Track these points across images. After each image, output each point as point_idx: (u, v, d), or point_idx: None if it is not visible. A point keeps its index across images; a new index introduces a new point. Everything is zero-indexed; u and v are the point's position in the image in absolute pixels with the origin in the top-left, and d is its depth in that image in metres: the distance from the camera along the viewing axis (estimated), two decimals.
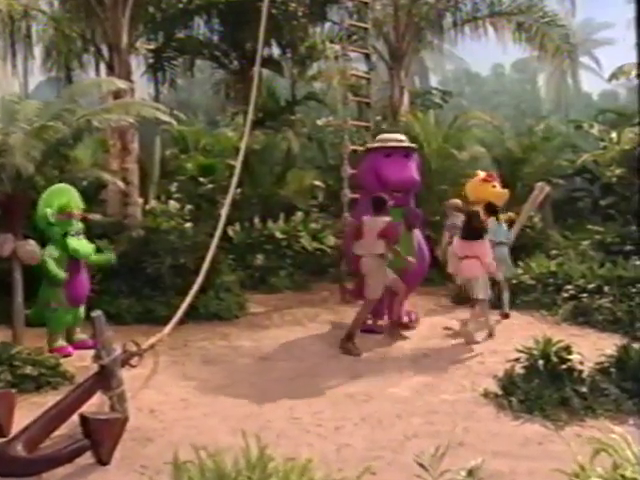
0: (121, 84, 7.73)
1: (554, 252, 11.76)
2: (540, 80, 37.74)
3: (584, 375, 6.08)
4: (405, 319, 9.22)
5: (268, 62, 15.09)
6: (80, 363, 7.04)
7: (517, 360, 6.37)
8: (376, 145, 9.43)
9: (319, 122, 17.49)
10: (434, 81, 26.90)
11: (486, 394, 6.30)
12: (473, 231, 8.56)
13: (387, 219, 8.24)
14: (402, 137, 9.72)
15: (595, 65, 33.52)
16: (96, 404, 5.39)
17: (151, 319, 8.95)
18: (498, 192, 12.68)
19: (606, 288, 9.56)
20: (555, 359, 6.08)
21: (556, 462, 4.22)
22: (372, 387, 6.65)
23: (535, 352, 6.27)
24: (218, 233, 8.68)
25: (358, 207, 9.68)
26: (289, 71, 15.98)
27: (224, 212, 9.13)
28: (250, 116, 10.27)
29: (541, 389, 5.91)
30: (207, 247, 8.65)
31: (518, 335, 8.66)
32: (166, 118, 7.48)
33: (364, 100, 12.61)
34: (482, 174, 12.78)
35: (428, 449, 3.84)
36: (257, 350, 8.12)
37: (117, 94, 9.65)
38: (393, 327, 8.75)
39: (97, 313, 5.09)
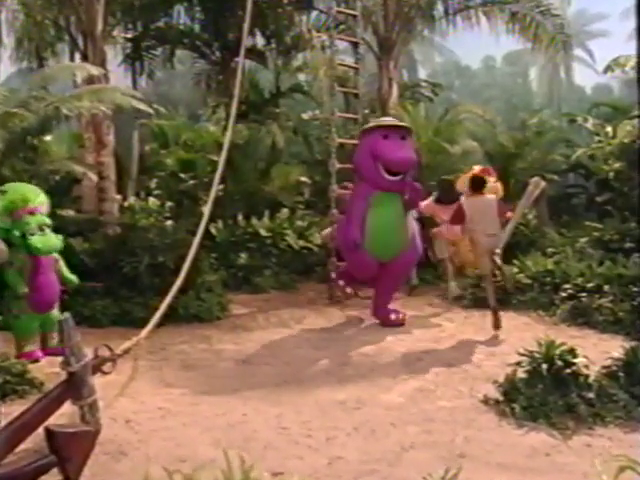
0: (94, 70, 7.38)
1: (550, 250, 11.51)
2: (532, 73, 37.79)
3: (590, 380, 5.81)
4: (392, 316, 9.18)
5: (251, 52, 14.73)
6: (51, 369, 6.70)
7: (519, 364, 6.09)
8: (372, 125, 9.22)
9: (305, 116, 17.18)
10: (423, 74, 26.72)
11: (486, 400, 6.04)
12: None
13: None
14: (395, 119, 9.57)
15: (589, 58, 33.50)
16: (67, 414, 5.08)
17: (128, 321, 8.68)
18: (492, 188, 12.47)
19: (606, 287, 9.31)
20: (559, 363, 5.82)
21: (567, 476, 3.98)
22: (363, 393, 6.39)
23: (538, 355, 6.00)
24: (200, 230, 8.38)
25: (355, 192, 9.36)
26: (273, 62, 15.64)
27: (207, 209, 8.85)
28: (234, 109, 9.96)
29: (545, 395, 5.65)
30: (187, 245, 8.34)
31: (515, 337, 8.50)
32: (142, 106, 7.17)
33: (352, 91, 12.32)
34: (477, 169, 12.56)
35: (430, 464, 3.55)
36: (240, 354, 7.86)
37: (91, 83, 9.27)
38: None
39: (64, 316, 4.75)
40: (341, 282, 9.70)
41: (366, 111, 14.37)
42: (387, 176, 8.79)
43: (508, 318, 9.66)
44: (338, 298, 10.89)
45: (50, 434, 4.24)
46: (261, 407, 5.96)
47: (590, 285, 9.47)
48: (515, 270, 10.67)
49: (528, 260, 11.03)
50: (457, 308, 10.53)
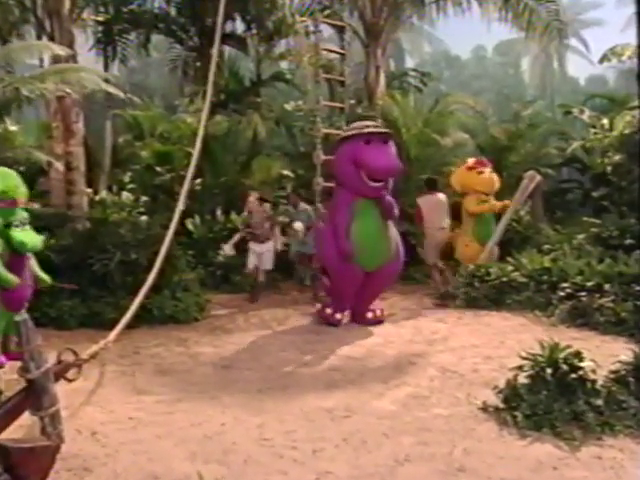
0: (60, 50, 6.98)
1: (546, 247, 11.32)
2: (524, 64, 37.60)
3: (598, 385, 5.56)
4: (369, 315, 9.18)
5: (231, 38, 14.47)
6: (11, 376, 6.33)
7: (520, 368, 5.83)
8: (353, 132, 8.99)
9: (287, 106, 16.88)
10: (411, 64, 26.33)
11: (485, 408, 5.77)
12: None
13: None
14: (375, 123, 9.41)
15: (583, 48, 33.31)
16: (26, 426, 4.76)
17: (98, 323, 8.46)
18: (485, 179, 12.28)
19: (607, 286, 9.10)
20: (564, 367, 5.56)
21: None
22: (353, 400, 6.11)
23: (541, 359, 5.75)
24: (173, 224, 8.12)
25: (336, 201, 9.18)
26: (254, 49, 15.32)
27: (181, 202, 8.59)
28: (209, 97, 9.68)
29: (550, 402, 5.39)
30: (162, 241, 8.16)
31: (511, 339, 8.32)
32: (113, 90, 6.81)
33: (338, 79, 12.01)
34: (471, 160, 12.37)
35: (427, 478, 3.27)
36: (219, 358, 7.59)
37: None
38: None
39: (22, 317, 4.40)
40: (327, 308, 9.34)
41: (352, 101, 14.13)
42: (370, 183, 8.69)
43: (502, 318, 9.53)
44: (323, 298, 10.64)
45: (4, 450, 3.90)
46: (241, 416, 5.67)
47: (590, 284, 9.27)
48: (510, 268, 10.49)
49: (523, 257, 10.84)
50: (450, 308, 10.32)
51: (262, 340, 8.38)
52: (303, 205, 11.41)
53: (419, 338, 8.46)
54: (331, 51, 11.99)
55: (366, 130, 8.87)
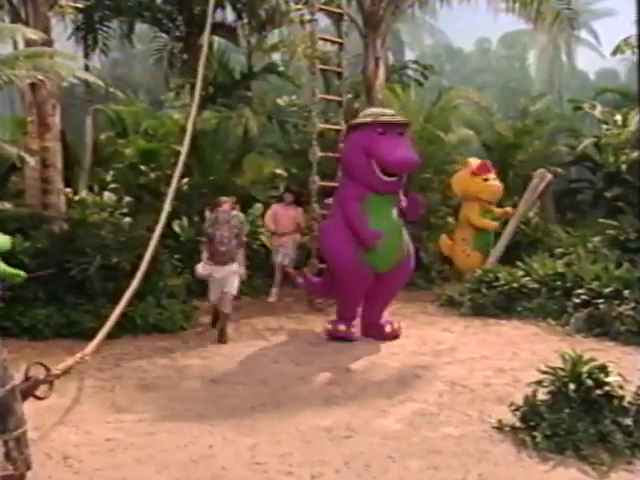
0: (32, 34, 6.66)
1: (559, 250, 11.08)
2: (530, 57, 37.23)
3: (626, 403, 5.27)
4: (388, 328, 8.70)
5: (220, 28, 14.15)
6: None
7: (539, 383, 5.54)
8: (367, 120, 8.52)
9: (280, 101, 16.61)
10: (411, 58, 25.98)
11: (500, 427, 5.49)
12: None
13: None
14: (392, 111, 9.00)
15: (593, 40, 33.01)
16: None
17: (76, 333, 8.22)
18: (491, 188, 12.02)
19: (626, 292, 8.88)
20: (589, 382, 5.27)
21: None
22: (354, 418, 5.83)
23: (562, 373, 5.46)
24: (159, 226, 7.84)
25: (343, 195, 8.69)
26: (245, 39, 15.03)
27: (167, 202, 8.32)
28: (198, 90, 9.39)
29: (573, 421, 5.10)
30: (146, 244, 7.92)
31: (525, 349, 8.12)
32: (92, 78, 6.49)
33: (335, 69, 11.75)
34: (473, 162, 12.11)
35: None
36: (208, 371, 7.33)
37: None
38: None
39: None
40: (340, 324, 8.70)
41: (349, 95, 13.90)
42: (383, 177, 8.23)
43: (513, 327, 9.37)
44: (319, 305, 10.42)
45: None
46: (232, 436, 5.38)
47: (608, 290, 9.07)
48: (520, 273, 10.29)
49: (534, 262, 10.63)
50: (454, 316, 10.11)
51: (254, 351, 8.13)
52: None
53: (424, 349, 8.22)
54: (328, 40, 11.71)
55: (382, 118, 8.41)
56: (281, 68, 15.89)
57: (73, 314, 8.58)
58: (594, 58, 34.21)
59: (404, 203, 8.62)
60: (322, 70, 11.85)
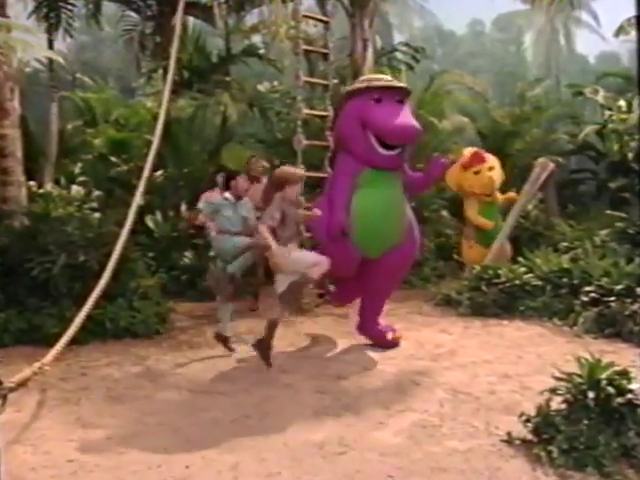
0: None
1: (563, 245, 10.87)
2: (526, 40, 36.98)
3: None
4: (390, 335, 8.25)
5: (195, 7, 13.79)
6: None
7: (554, 391, 5.25)
8: (361, 86, 8.05)
9: (261, 87, 16.31)
10: (400, 41, 25.73)
11: (510, 440, 5.19)
12: None
13: None
14: (389, 77, 8.59)
15: (593, 21, 32.81)
16: None
17: (38, 339, 7.85)
18: (483, 181, 11.69)
19: (639, 289, 8.62)
20: (610, 389, 4.98)
21: None
22: (348, 431, 5.52)
23: (579, 379, 5.17)
24: (129, 221, 7.48)
25: (336, 170, 8.27)
26: (222, 20, 14.68)
27: (138, 195, 7.96)
28: (171, 73, 9.02)
29: (593, 434, 4.80)
30: (117, 241, 7.53)
31: (530, 352, 7.87)
32: (53, 55, 6.13)
33: (321, 51, 11.43)
34: (468, 152, 11.83)
35: None
36: (185, 379, 7.03)
37: None
38: None
39: None
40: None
41: (335, 81, 13.63)
42: (380, 150, 7.72)
43: (516, 328, 9.15)
44: (307, 306, 10.11)
45: None
46: (211, 454, 5.06)
47: (619, 287, 8.83)
48: (522, 269, 10.09)
49: (536, 257, 10.42)
50: (452, 316, 9.86)
51: (237, 357, 7.79)
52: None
53: (422, 353, 7.93)
54: (313, 18, 11.37)
55: (377, 83, 7.92)
56: (262, 51, 15.58)
57: (35, 318, 8.26)
58: (594, 41, 34.32)
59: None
60: (306, 52, 11.52)
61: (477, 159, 11.69)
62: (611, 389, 5.01)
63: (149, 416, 5.90)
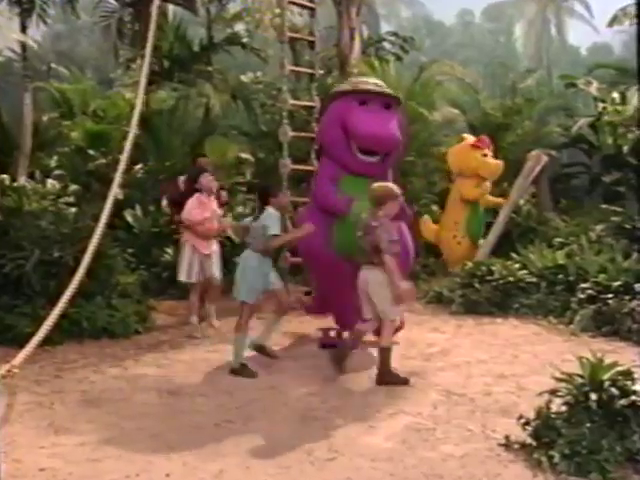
0: None
1: (557, 240, 10.79)
2: (517, 31, 36.90)
3: None
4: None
5: None
6: None
7: (554, 392, 5.11)
8: (346, 88, 8.04)
9: (244, 78, 16.14)
10: (387, 30, 25.63)
11: (509, 444, 5.05)
12: None
13: None
14: (378, 82, 8.47)
15: (585, 12, 32.78)
16: None
17: (11, 339, 7.64)
18: (492, 164, 11.87)
19: (637, 286, 8.55)
20: (613, 390, 4.84)
21: None
22: (337, 435, 5.37)
23: (580, 380, 5.03)
24: (104, 215, 7.27)
25: (317, 175, 8.28)
26: (204, 8, 14.53)
27: (114, 188, 7.74)
28: (148, 59, 8.78)
29: (596, 438, 4.65)
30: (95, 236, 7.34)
31: (525, 352, 7.79)
32: (25, 39, 5.91)
33: (307, 38, 11.28)
34: (470, 138, 11.90)
35: None
36: (165, 381, 6.86)
37: None
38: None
39: None
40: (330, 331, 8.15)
41: (321, 72, 13.52)
42: (360, 155, 7.63)
43: (511, 327, 9.11)
44: (292, 304, 9.95)
45: None
46: (193, 461, 4.87)
47: (616, 284, 8.79)
48: (516, 266, 10.04)
49: (530, 253, 10.35)
50: (444, 314, 9.77)
51: (218, 358, 7.63)
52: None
53: (413, 352, 7.85)
54: (298, 4, 11.18)
55: (362, 87, 7.85)
56: (245, 39, 15.41)
57: (8, 317, 8.07)
58: (586, 32, 34.19)
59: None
60: (292, 40, 11.38)
61: (484, 142, 11.85)
62: (614, 390, 4.88)
63: (127, 421, 5.72)
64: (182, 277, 8.91)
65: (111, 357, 7.68)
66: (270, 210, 7.16)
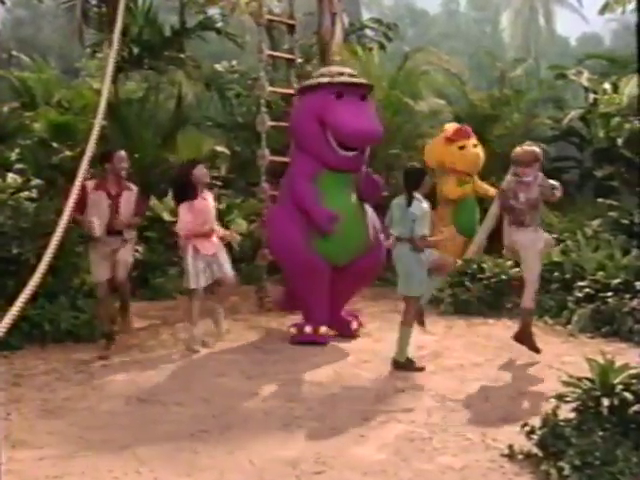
0: None
1: (552, 236, 10.56)
2: (504, 20, 36.94)
3: None
4: (354, 325, 8.37)
5: None
6: None
7: (561, 398, 4.87)
8: (320, 80, 7.96)
9: (219, 67, 15.86)
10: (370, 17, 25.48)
11: (512, 454, 4.81)
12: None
13: None
14: (351, 71, 8.34)
15: (574, 0, 32.94)
16: None
17: None
18: (468, 157, 11.58)
19: (638, 284, 8.41)
20: (626, 395, 4.61)
21: None
22: (325, 447, 5.10)
23: (590, 384, 4.79)
24: (67, 210, 6.97)
25: (292, 171, 8.21)
26: None
27: (77, 180, 7.44)
28: (116, 45, 8.47)
29: (610, 447, 4.42)
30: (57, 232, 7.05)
31: (522, 354, 7.53)
32: None
33: (286, 21, 11.05)
34: (450, 127, 11.63)
35: None
36: (135, 388, 6.57)
37: None
38: None
39: None
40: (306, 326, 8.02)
41: (300, 61, 13.30)
42: (339, 150, 7.73)
43: (504, 327, 8.91)
44: (271, 305, 9.72)
45: None
46: (166, 476, 4.59)
47: (616, 281, 8.64)
48: (508, 263, 9.84)
49: None
50: (433, 315, 9.48)
51: (194, 362, 7.44)
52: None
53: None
54: None
55: (338, 79, 7.85)
56: (220, 24, 15.14)
57: None
58: (575, 22, 34.21)
59: (361, 183, 8.09)
60: (270, 23, 11.10)
61: (463, 133, 11.59)
62: (627, 395, 4.67)
63: (92, 431, 5.43)
64: (191, 284, 8.05)
65: (75, 363, 7.38)
66: (423, 203, 7.01)
